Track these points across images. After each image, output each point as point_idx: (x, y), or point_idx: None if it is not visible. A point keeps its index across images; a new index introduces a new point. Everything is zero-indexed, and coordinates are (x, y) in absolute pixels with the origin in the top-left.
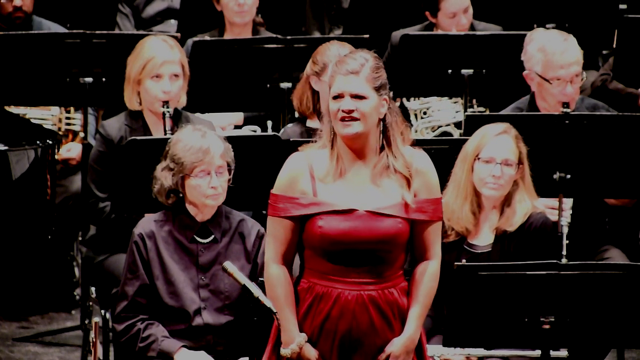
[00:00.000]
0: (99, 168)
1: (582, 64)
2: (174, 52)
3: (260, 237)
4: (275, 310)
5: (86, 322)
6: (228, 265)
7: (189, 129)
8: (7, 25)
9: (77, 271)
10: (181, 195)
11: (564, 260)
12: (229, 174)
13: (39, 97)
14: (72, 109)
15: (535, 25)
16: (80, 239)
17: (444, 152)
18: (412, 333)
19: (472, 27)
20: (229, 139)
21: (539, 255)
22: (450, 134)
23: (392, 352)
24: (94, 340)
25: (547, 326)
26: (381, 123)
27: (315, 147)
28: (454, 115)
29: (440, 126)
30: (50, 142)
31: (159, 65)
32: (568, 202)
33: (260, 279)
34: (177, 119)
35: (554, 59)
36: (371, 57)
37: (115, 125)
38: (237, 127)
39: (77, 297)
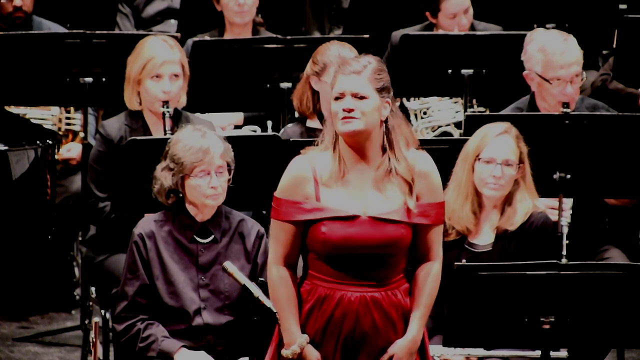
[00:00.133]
0: (99, 168)
1: (582, 64)
2: (174, 52)
3: (260, 237)
4: (275, 310)
5: (86, 322)
6: (228, 265)
7: (189, 129)
8: (7, 25)
9: (77, 271)
10: (181, 195)
11: (564, 260)
12: (229, 174)
13: (39, 97)
14: (72, 109)
15: (535, 25)
16: (80, 239)
17: (444, 152)
18: (415, 334)
19: (472, 27)
20: (229, 139)
21: (539, 254)
22: (450, 134)
23: (395, 353)
24: (94, 340)
25: (547, 326)
26: (384, 125)
27: (317, 150)
28: (454, 115)
29: (440, 126)
30: (50, 142)
31: (159, 65)
32: (568, 202)
33: (261, 279)
34: (177, 119)
35: (554, 59)
36: (375, 60)
37: (115, 125)
38: (237, 127)
39: (77, 297)
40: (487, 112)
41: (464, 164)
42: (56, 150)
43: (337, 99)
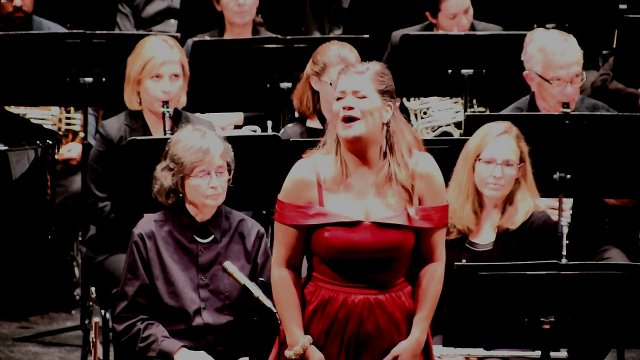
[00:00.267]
0: (99, 168)
1: (582, 64)
2: (174, 52)
3: (260, 237)
4: (275, 311)
5: (86, 322)
6: (228, 265)
7: (189, 129)
8: (7, 25)
9: (77, 271)
10: (181, 195)
11: (564, 260)
12: (229, 174)
13: (39, 97)
14: (72, 109)
15: (535, 25)
16: (80, 239)
17: (444, 152)
18: (419, 336)
19: (472, 27)
20: (229, 139)
21: (540, 253)
22: (450, 134)
23: (399, 355)
24: (94, 340)
25: (547, 326)
26: (385, 129)
27: (320, 153)
28: (454, 116)
29: (440, 126)
30: (50, 142)
31: (159, 65)
32: (568, 202)
33: (261, 279)
34: (177, 119)
35: (554, 59)
36: (378, 65)
37: (115, 125)
38: (237, 127)
39: (77, 297)
40: (487, 112)
41: (464, 163)
42: (56, 150)
43: (338, 99)
